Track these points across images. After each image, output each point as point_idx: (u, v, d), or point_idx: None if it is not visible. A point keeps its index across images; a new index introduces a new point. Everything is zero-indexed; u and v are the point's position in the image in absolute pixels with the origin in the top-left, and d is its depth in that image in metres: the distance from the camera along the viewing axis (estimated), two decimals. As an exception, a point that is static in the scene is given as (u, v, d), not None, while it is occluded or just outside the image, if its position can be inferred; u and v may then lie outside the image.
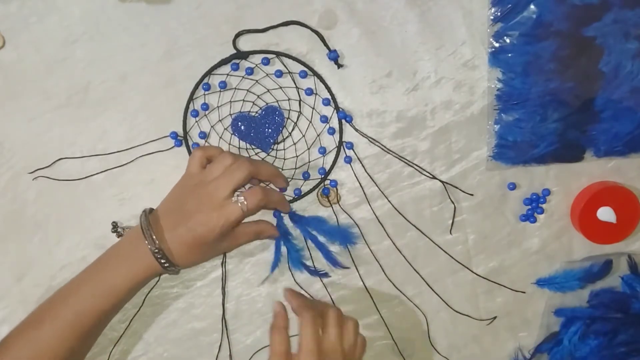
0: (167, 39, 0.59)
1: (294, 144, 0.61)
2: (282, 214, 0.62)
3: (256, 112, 0.60)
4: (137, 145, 0.60)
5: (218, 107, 0.60)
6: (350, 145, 0.61)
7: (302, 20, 0.59)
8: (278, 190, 0.60)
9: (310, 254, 0.63)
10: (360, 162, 0.62)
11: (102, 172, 0.61)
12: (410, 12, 0.59)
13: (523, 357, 0.67)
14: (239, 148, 0.61)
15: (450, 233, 0.64)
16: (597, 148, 0.62)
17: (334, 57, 0.59)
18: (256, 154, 0.61)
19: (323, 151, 0.61)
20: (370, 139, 0.61)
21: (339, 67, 0.60)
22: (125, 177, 0.61)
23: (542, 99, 0.60)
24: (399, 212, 0.63)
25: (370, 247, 0.63)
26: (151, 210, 0.55)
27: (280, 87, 0.60)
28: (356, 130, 0.61)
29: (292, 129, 0.61)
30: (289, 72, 0.60)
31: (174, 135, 0.60)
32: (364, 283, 0.64)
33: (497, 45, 0.59)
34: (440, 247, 0.64)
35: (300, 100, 0.60)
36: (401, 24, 0.59)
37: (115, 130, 0.60)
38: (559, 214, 0.64)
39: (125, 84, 0.59)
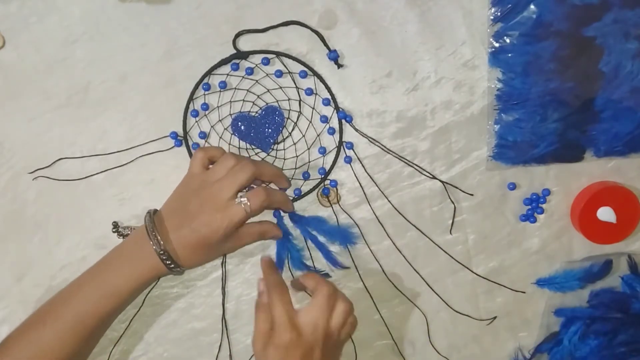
0: (167, 39, 0.59)
1: (294, 144, 0.61)
2: (282, 214, 0.62)
3: (256, 112, 0.60)
4: (137, 145, 0.60)
5: (218, 107, 0.60)
6: (350, 145, 0.61)
7: (302, 20, 0.59)
8: (280, 190, 0.60)
9: (310, 254, 0.63)
10: (360, 162, 0.62)
11: (102, 172, 0.61)
12: (410, 12, 0.59)
13: (523, 357, 0.67)
14: (239, 148, 0.61)
15: (450, 233, 0.64)
16: (597, 148, 0.62)
17: (334, 57, 0.59)
18: (256, 154, 0.61)
19: (323, 151, 0.61)
20: (370, 139, 0.61)
21: (339, 67, 0.60)
22: (125, 177, 0.61)
23: (542, 99, 0.60)
24: (399, 212, 0.63)
25: (370, 247, 0.63)
26: (155, 211, 0.55)
27: (280, 87, 0.60)
28: (356, 130, 0.61)
29: (292, 129, 0.61)
30: (289, 72, 0.60)
31: (174, 135, 0.60)
32: (364, 283, 0.64)
33: (497, 45, 0.59)
34: (440, 247, 0.64)
35: (300, 100, 0.60)
36: (401, 24, 0.59)
37: (115, 130, 0.60)
38: (559, 214, 0.64)
39: (125, 84, 0.59)
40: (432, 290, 0.65)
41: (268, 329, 0.53)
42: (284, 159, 0.62)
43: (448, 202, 0.63)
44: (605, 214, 0.61)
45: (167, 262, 0.52)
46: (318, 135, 0.61)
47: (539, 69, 0.59)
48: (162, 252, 0.52)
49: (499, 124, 0.61)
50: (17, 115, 0.60)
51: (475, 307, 0.66)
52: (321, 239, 0.62)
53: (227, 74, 0.60)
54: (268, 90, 0.60)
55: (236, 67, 0.59)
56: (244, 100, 0.60)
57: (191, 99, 0.60)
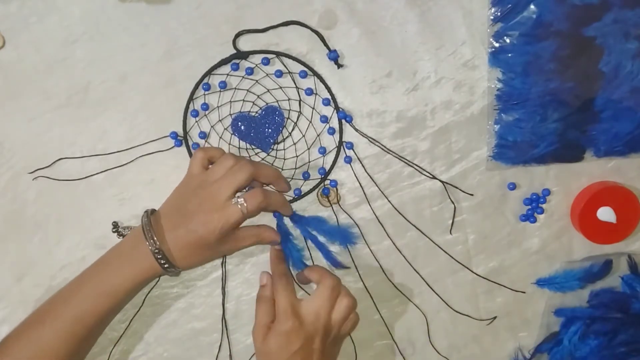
0: (167, 39, 0.59)
1: (294, 144, 0.61)
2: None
3: (256, 112, 0.60)
4: (137, 145, 0.60)
5: (218, 107, 0.60)
6: (350, 145, 0.61)
7: (302, 20, 0.59)
8: (279, 193, 0.60)
9: (311, 254, 0.63)
10: (360, 162, 0.62)
11: (102, 172, 0.61)
12: (410, 12, 0.59)
13: (523, 357, 0.67)
14: (239, 148, 0.61)
15: (450, 233, 0.64)
16: (597, 148, 0.62)
17: (334, 57, 0.59)
18: (256, 154, 0.61)
19: (323, 151, 0.61)
20: (370, 139, 0.61)
21: (339, 67, 0.60)
22: (125, 177, 0.61)
23: (542, 99, 0.60)
24: (399, 212, 0.63)
25: (370, 247, 0.63)
26: (153, 211, 0.55)
27: (280, 87, 0.60)
28: (356, 130, 0.61)
29: (292, 129, 0.61)
30: (289, 72, 0.60)
31: (174, 135, 0.60)
32: (364, 283, 0.64)
33: (497, 45, 0.59)
34: (440, 247, 0.64)
35: (300, 100, 0.60)
36: (401, 24, 0.59)
37: (115, 130, 0.60)
38: (559, 214, 0.64)
39: (125, 84, 0.59)
40: (432, 290, 0.65)
41: (269, 322, 0.54)
42: (284, 159, 0.62)
43: (448, 202, 0.63)
44: (605, 214, 0.61)
45: (162, 262, 0.52)
46: (318, 135, 0.61)
47: (539, 69, 0.59)
48: (157, 251, 0.52)
49: (499, 124, 0.61)
50: (17, 115, 0.60)
51: (475, 307, 0.66)
52: (321, 239, 0.62)
53: (227, 74, 0.60)
54: (268, 90, 0.60)
55: (236, 67, 0.59)
56: (244, 100, 0.60)
57: (191, 99, 0.60)
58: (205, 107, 0.60)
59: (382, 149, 0.62)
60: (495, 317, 0.66)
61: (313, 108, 0.61)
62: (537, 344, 0.66)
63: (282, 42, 0.59)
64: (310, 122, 0.61)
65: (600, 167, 0.63)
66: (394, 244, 0.63)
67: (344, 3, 0.59)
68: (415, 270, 0.64)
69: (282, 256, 0.60)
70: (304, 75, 0.60)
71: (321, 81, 0.60)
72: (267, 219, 0.62)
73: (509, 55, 0.59)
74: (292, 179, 0.62)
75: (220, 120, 0.61)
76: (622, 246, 0.65)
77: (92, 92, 0.59)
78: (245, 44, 0.59)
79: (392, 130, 0.61)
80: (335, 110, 0.61)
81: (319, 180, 0.62)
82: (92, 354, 0.62)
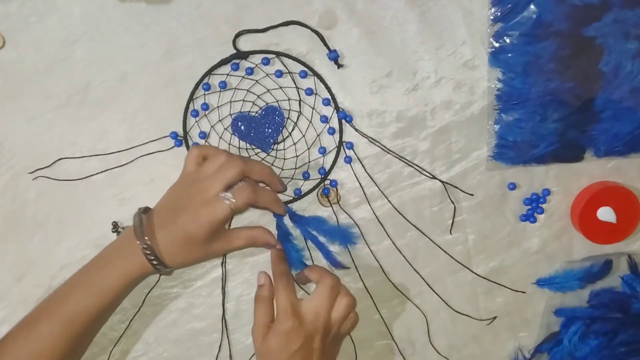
0: (167, 39, 0.59)
1: (294, 144, 0.61)
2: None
3: (256, 112, 0.60)
4: (137, 145, 0.60)
5: (218, 107, 0.60)
6: (350, 145, 0.61)
7: (302, 20, 0.59)
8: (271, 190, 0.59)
9: (311, 254, 0.63)
10: (360, 162, 0.62)
11: (102, 172, 0.61)
12: (410, 12, 0.59)
13: (523, 357, 0.67)
14: (239, 148, 0.61)
15: (450, 233, 0.64)
16: (597, 148, 0.62)
17: (334, 57, 0.59)
18: (256, 154, 0.61)
19: (323, 151, 0.61)
20: (370, 139, 0.61)
21: (339, 67, 0.60)
22: (125, 177, 0.61)
23: (542, 99, 0.60)
24: (399, 212, 0.63)
25: (370, 247, 0.63)
26: (148, 209, 0.55)
27: (280, 87, 0.60)
28: (356, 130, 0.61)
29: (292, 129, 0.61)
30: (289, 72, 0.60)
31: (174, 135, 0.60)
32: (364, 283, 0.64)
33: (497, 45, 0.59)
34: (440, 247, 0.64)
35: (300, 100, 0.60)
36: (401, 24, 0.59)
37: (115, 130, 0.60)
38: (559, 214, 0.64)
39: (125, 84, 0.59)
40: (432, 290, 0.65)
41: (268, 321, 0.54)
42: (284, 159, 0.62)
43: (448, 202, 0.63)
44: (605, 214, 0.61)
45: (151, 259, 0.52)
46: (318, 135, 0.61)
47: (539, 69, 0.59)
48: (145, 247, 0.51)
49: (499, 124, 0.61)
50: (17, 115, 0.60)
51: (475, 307, 0.66)
52: (321, 239, 0.62)
53: (227, 74, 0.60)
54: (268, 90, 0.60)
55: (236, 67, 0.59)
56: (244, 100, 0.60)
57: (191, 99, 0.60)
58: (205, 107, 0.60)
59: (382, 149, 0.62)
60: (495, 317, 0.66)
61: (313, 108, 0.61)
62: (537, 344, 0.66)
63: (282, 42, 0.59)
64: (310, 122, 0.61)
65: (600, 167, 0.63)
66: (394, 244, 0.63)
67: (344, 3, 0.59)
68: (415, 270, 0.64)
69: (283, 256, 0.60)
70: (304, 75, 0.60)
71: (321, 81, 0.60)
72: (267, 219, 0.62)
73: (509, 55, 0.59)
74: (292, 179, 0.62)
75: (220, 120, 0.61)
76: (622, 246, 0.65)
77: (92, 92, 0.59)
78: (245, 44, 0.59)
79: (392, 130, 0.61)
80: (335, 110, 0.61)
81: (319, 180, 0.62)
82: (92, 353, 0.62)
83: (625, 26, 0.58)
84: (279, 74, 0.60)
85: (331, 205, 0.63)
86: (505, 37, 0.59)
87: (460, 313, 0.65)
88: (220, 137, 0.61)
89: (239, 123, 0.60)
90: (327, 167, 0.62)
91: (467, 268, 0.65)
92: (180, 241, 0.52)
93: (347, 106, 0.61)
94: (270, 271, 0.59)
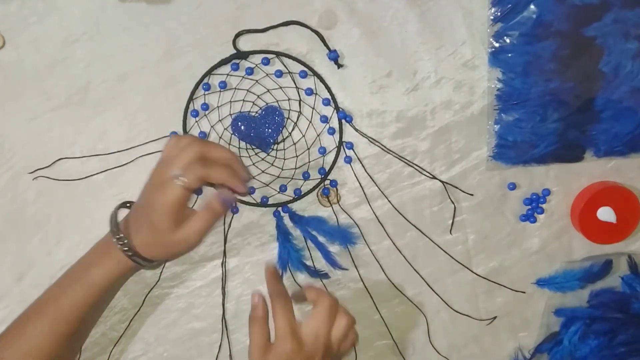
0: (167, 39, 0.59)
1: (294, 144, 0.61)
2: (282, 214, 0.62)
3: (256, 112, 0.60)
4: (137, 145, 0.60)
5: (218, 107, 0.60)
6: (350, 145, 0.61)
7: (302, 20, 0.59)
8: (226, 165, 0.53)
9: (310, 254, 0.63)
10: (360, 162, 0.62)
11: (102, 172, 0.61)
12: (410, 12, 0.59)
13: (523, 357, 0.67)
14: (239, 148, 0.61)
15: (450, 233, 0.64)
16: (597, 148, 0.62)
17: (334, 57, 0.59)
18: (256, 154, 0.61)
19: (323, 151, 0.61)
20: (370, 139, 0.61)
21: (339, 67, 0.60)
22: (125, 177, 0.61)
23: (542, 99, 0.60)
24: (399, 212, 0.63)
25: (370, 247, 0.63)
26: (128, 203, 0.54)
27: (280, 87, 0.60)
28: (356, 130, 0.61)
29: (292, 129, 0.61)
30: (289, 72, 0.60)
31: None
32: (364, 283, 0.64)
33: (497, 45, 0.59)
34: (440, 247, 0.64)
35: (300, 100, 0.60)
36: (401, 24, 0.59)
37: (115, 130, 0.60)
38: (559, 214, 0.64)
39: (125, 84, 0.59)
40: (432, 290, 0.65)
41: (265, 342, 0.52)
42: (284, 159, 0.62)
43: (448, 202, 0.63)
44: (605, 214, 0.61)
45: (130, 255, 0.50)
46: (318, 135, 0.61)
47: (539, 69, 0.59)
48: (121, 243, 0.50)
49: (499, 124, 0.61)
50: (17, 115, 0.60)
51: (475, 307, 0.66)
52: (321, 239, 0.62)
53: (227, 74, 0.60)
54: (268, 90, 0.60)
55: (236, 67, 0.59)
56: (244, 100, 0.60)
57: (191, 99, 0.60)
58: (205, 107, 0.60)
59: (382, 149, 0.62)
60: (495, 317, 0.66)
61: (313, 108, 0.61)
62: (537, 344, 0.66)
63: (282, 42, 0.59)
64: (310, 122, 0.61)
65: (600, 167, 0.63)
66: (394, 244, 0.63)
67: (344, 3, 0.59)
68: (415, 270, 0.64)
69: (278, 274, 0.56)
70: (304, 75, 0.60)
71: (321, 81, 0.60)
72: (267, 219, 0.62)
73: (509, 55, 0.59)
74: (292, 179, 0.62)
75: (220, 120, 0.61)
76: (622, 246, 0.65)
77: (92, 92, 0.59)
78: (245, 44, 0.59)
79: (392, 130, 0.61)
80: (335, 110, 0.61)
81: (319, 180, 0.62)
82: (93, 353, 0.62)
83: (625, 26, 0.58)
84: (279, 74, 0.60)
85: (331, 205, 0.63)
86: (505, 37, 0.59)
87: (460, 313, 0.65)
88: (220, 137, 0.61)
89: (239, 123, 0.60)
90: (327, 167, 0.62)
91: (467, 268, 0.65)
92: (148, 232, 0.50)
93: (347, 106, 0.61)
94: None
